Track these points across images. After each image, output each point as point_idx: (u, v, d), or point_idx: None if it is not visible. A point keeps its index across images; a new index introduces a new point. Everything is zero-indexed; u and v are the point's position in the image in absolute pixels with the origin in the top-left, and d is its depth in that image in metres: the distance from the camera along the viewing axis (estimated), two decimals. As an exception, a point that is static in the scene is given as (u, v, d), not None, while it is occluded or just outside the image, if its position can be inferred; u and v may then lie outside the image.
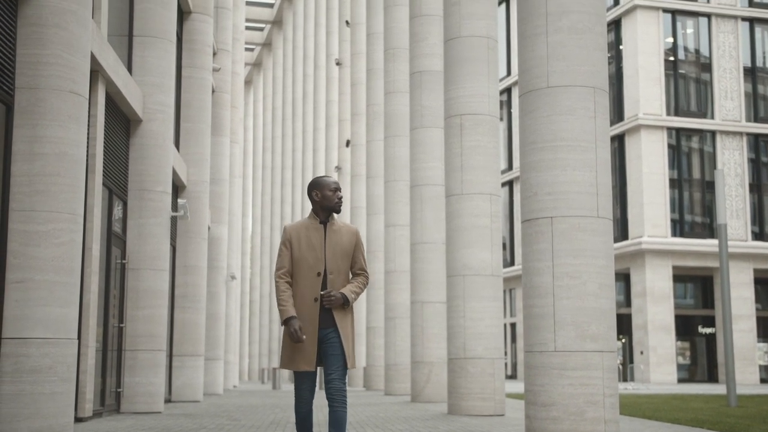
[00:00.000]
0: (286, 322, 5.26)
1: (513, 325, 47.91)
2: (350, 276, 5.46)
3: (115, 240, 11.56)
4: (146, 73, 12.17)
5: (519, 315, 43.86)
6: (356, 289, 5.33)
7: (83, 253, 9.88)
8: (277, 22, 58.43)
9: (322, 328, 5.25)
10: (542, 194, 7.19)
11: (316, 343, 5.21)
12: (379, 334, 25.28)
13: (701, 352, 35.85)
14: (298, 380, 5.30)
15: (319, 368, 6.11)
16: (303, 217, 47.67)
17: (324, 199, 5.30)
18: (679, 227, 32.98)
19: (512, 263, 43.82)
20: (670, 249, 33.32)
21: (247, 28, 61.74)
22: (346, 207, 35.41)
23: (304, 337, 5.20)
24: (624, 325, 36.99)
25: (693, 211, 32.67)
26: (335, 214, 5.27)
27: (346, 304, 5.24)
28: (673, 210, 32.98)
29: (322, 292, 5.21)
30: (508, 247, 44.51)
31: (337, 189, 5.36)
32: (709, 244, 33.34)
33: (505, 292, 45.85)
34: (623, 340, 36.68)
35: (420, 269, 15.90)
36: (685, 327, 35.87)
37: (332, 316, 5.27)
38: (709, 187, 33.65)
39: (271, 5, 57.80)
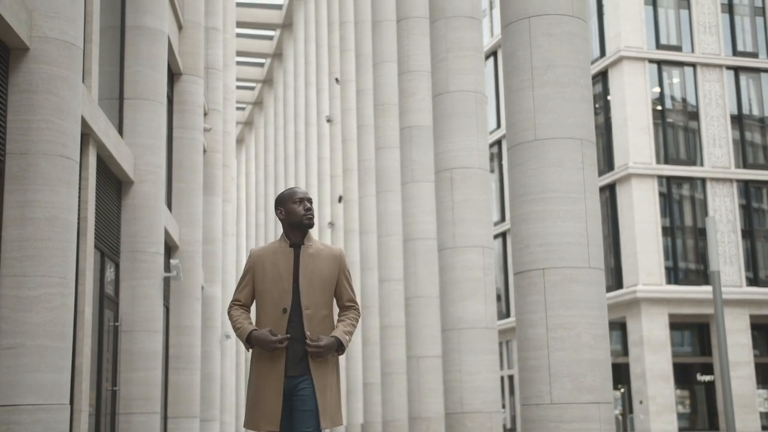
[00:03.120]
0: (252, 339, 4.18)
1: (510, 378, 47.55)
2: (330, 312, 4.38)
3: (107, 302, 11.51)
4: (137, 134, 12.24)
5: (516, 367, 43.58)
6: (349, 329, 4.30)
7: (75, 316, 9.83)
8: (268, 81, 58.98)
9: (290, 376, 4.19)
10: (533, 246, 7.21)
11: (281, 396, 4.15)
12: (376, 390, 25.08)
13: (701, 400, 35.62)
14: None
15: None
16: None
17: (289, 215, 4.28)
18: (674, 275, 33.01)
19: (508, 315, 43.66)
20: (666, 297, 33.29)
21: (238, 87, 62.27)
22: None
23: (286, 339, 4.15)
24: (622, 375, 36.75)
25: (687, 259, 32.75)
26: (311, 234, 4.38)
27: (340, 351, 4.24)
28: (666, 258, 33.01)
29: (308, 341, 4.16)
30: (503, 298, 44.38)
31: (304, 199, 4.33)
32: (705, 291, 33.33)
33: (501, 344, 45.58)
34: (622, 390, 36.43)
35: (415, 323, 15.84)
36: (683, 375, 35.69)
37: (306, 361, 4.21)
38: (701, 234, 33.77)
39: (261, 64, 58.39)
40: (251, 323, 4.28)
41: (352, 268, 31.32)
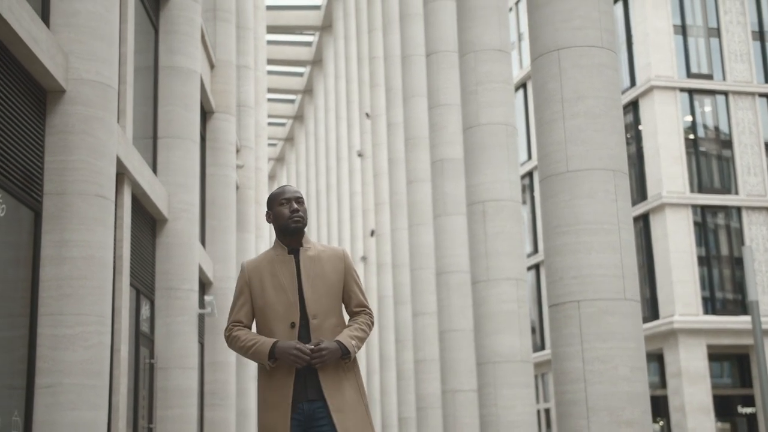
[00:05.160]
0: (277, 351, 3.58)
1: (547, 411, 47.04)
2: (341, 321, 3.82)
3: (143, 340, 11.57)
4: (171, 173, 12.37)
5: (552, 400, 43.09)
6: (358, 333, 3.71)
7: (111, 354, 9.89)
8: (299, 117, 59.47)
9: (304, 401, 3.63)
10: (568, 278, 7.16)
11: (288, 424, 3.56)
12: (411, 424, 24.89)
13: (742, 432, 34.93)
14: None
15: None
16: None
17: (276, 218, 3.77)
18: (711, 305, 32.60)
19: (542, 347, 43.28)
20: (703, 327, 32.84)
21: (269, 124, 62.82)
22: (371, 297, 35.20)
23: (309, 348, 3.58)
24: (660, 408, 36.22)
25: (724, 288, 32.34)
26: (308, 236, 3.90)
27: (345, 357, 3.65)
28: (703, 287, 32.61)
29: (310, 346, 3.59)
30: (538, 330, 44.04)
31: (291, 199, 3.79)
32: (743, 321, 32.86)
33: (536, 377, 45.11)
34: (661, 423, 35.90)
35: (449, 357, 15.74)
36: (724, 407, 35.08)
37: (317, 382, 3.63)
38: (738, 263, 33.35)
39: (292, 101, 58.92)
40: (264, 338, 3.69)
41: (384, 302, 31.19)
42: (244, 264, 3.82)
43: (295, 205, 3.76)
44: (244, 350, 3.70)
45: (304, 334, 3.69)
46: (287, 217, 3.72)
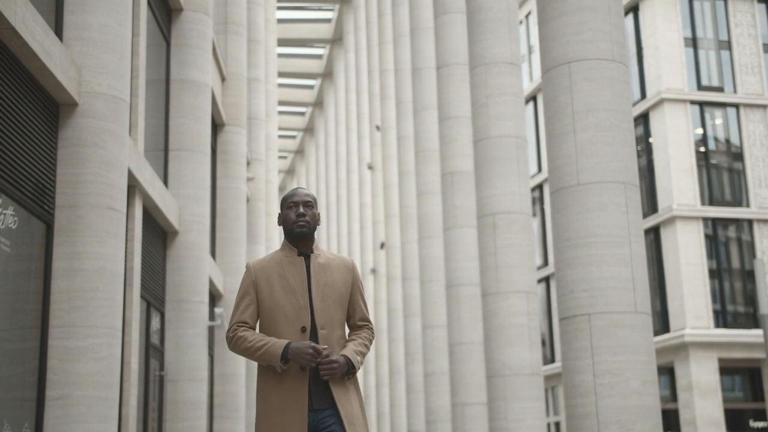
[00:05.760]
0: (290, 353, 3.46)
1: (557, 424, 46.88)
2: (345, 333, 3.72)
3: (153, 352, 11.59)
4: (182, 185, 12.41)
5: (563, 413, 42.89)
6: (362, 349, 3.64)
7: (122, 366, 9.91)
8: (309, 129, 59.61)
9: (314, 410, 3.53)
10: (579, 291, 7.14)
11: (306, 428, 3.49)
12: (421, 438, 24.83)
13: (754, 447, 34.73)
14: None
15: None
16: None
17: (284, 222, 3.66)
18: (722, 318, 32.47)
19: (552, 360, 43.13)
20: (715, 341, 32.69)
21: (280, 136, 62.98)
22: (380, 309, 35.09)
23: (328, 350, 3.47)
24: (671, 421, 36.04)
25: (735, 301, 32.21)
26: (318, 243, 3.79)
27: (351, 372, 3.58)
28: (714, 300, 32.48)
29: (323, 351, 3.50)
30: (548, 343, 43.92)
31: (299, 203, 3.65)
32: (755, 335, 32.69)
33: (546, 390, 44.98)
34: (672, 437, 35.68)
35: (459, 370, 15.71)
36: (735, 421, 34.89)
37: (329, 391, 3.56)
38: (749, 276, 33.22)
39: (302, 114, 59.07)
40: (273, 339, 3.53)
41: (394, 315, 31.16)
42: (250, 264, 3.68)
43: (301, 210, 3.62)
44: (252, 351, 3.56)
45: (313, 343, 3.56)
46: (292, 221, 3.59)
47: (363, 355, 3.62)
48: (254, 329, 3.65)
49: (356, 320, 3.69)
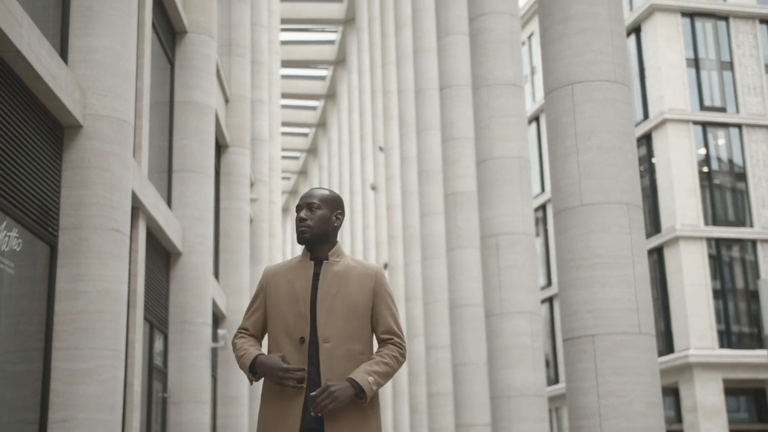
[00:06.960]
0: (257, 365, 3.18)
1: (562, 446, 46.55)
2: (366, 347, 3.31)
3: (156, 373, 11.56)
4: (185, 206, 12.43)
5: (567, 435, 42.68)
6: (379, 368, 3.18)
7: (125, 388, 9.89)
8: (312, 150, 59.74)
9: (309, 429, 3.17)
10: (582, 312, 7.13)
11: None
12: (425, 460, 24.72)
13: (760, 468, 34.49)
14: None
15: None
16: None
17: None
18: (726, 338, 32.34)
19: (556, 381, 42.96)
20: (719, 361, 32.56)
21: (283, 157, 63.10)
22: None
23: (302, 371, 3.14)
24: (677, 443, 35.79)
25: (740, 322, 32.10)
26: (341, 248, 3.44)
27: (361, 398, 3.14)
28: (718, 321, 32.37)
29: (312, 393, 3.13)
30: (552, 364, 43.73)
31: (303, 205, 3.37)
32: (760, 355, 32.55)
33: (550, 411, 44.77)
34: (677, 458, 35.44)
35: (463, 391, 15.66)
36: (741, 442, 34.63)
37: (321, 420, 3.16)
38: (754, 296, 33.14)
39: (306, 134, 59.21)
40: (260, 349, 3.29)
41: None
42: (267, 268, 3.44)
43: (302, 214, 3.32)
44: (237, 358, 3.31)
45: (317, 359, 3.21)
46: (296, 228, 3.32)
47: (380, 374, 3.17)
48: (257, 336, 3.41)
49: (380, 333, 3.28)
